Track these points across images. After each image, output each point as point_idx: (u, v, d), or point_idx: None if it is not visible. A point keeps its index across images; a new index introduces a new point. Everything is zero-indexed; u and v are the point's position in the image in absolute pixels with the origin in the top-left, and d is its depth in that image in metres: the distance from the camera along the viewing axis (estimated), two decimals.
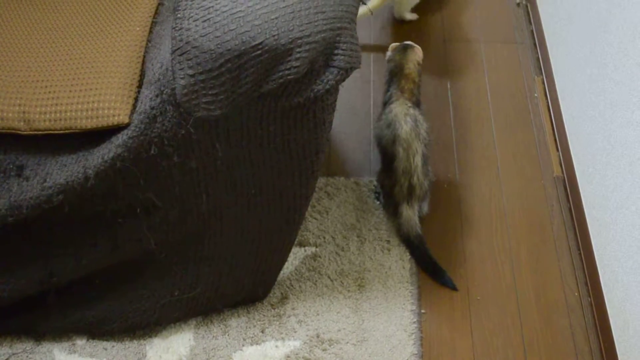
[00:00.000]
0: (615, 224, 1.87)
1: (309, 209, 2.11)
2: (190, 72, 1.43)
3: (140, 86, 1.57)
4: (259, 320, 1.88)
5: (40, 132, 1.53)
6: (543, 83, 2.54)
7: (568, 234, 2.12)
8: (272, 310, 1.90)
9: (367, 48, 2.66)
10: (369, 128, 2.37)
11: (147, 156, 1.50)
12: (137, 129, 1.49)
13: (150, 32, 1.69)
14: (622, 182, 1.84)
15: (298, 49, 1.45)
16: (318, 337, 1.85)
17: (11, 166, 1.56)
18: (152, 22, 1.72)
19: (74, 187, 1.51)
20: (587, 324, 1.93)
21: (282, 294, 1.93)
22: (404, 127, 1.99)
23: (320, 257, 2.01)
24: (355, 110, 2.44)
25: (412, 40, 2.25)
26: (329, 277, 1.97)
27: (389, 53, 2.22)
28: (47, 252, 1.67)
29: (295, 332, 1.86)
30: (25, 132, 1.54)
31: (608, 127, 1.95)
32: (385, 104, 2.11)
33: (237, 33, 1.43)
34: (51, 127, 1.53)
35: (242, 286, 1.84)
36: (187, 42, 1.44)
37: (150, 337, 1.85)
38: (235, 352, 1.82)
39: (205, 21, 1.45)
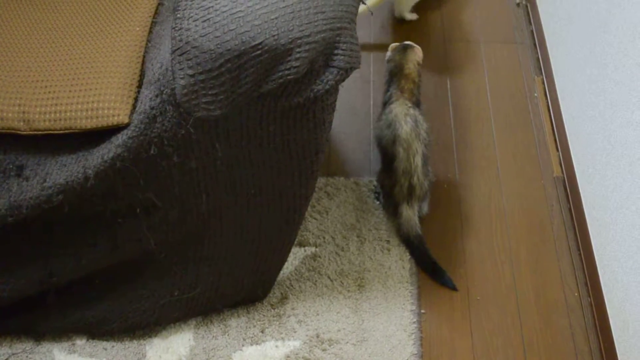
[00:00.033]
0: (615, 224, 1.87)
1: (309, 209, 2.11)
2: (190, 72, 1.43)
3: (140, 86, 1.57)
4: (259, 320, 1.88)
5: (40, 132, 1.53)
6: (543, 83, 2.54)
7: (568, 234, 2.12)
8: (272, 310, 1.90)
9: (367, 48, 2.66)
10: (368, 128, 2.37)
11: (146, 156, 1.50)
12: (137, 129, 1.48)
13: (150, 32, 1.69)
14: (622, 182, 1.84)
15: (298, 49, 1.45)
16: (318, 337, 1.85)
17: (11, 166, 1.56)
18: (152, 22, 1.72)
19: (74, 187, 1.51)
20: (586, 324, 1.93)
21: (282, 294, 1.93)
22: (404, 128, 1.99)
23: (320, 257, 2.01)
24: (355, 110, 2.44)
25: (412, 40, 2.25)
26: (328, 277, 1.97)
27: (388, 53, 2.22)
28: (46, 252, 1.67)
29: (295, 332, 1.86)
30: (25, 132, 1.54)
31: (608, 127, 1.95)
32: (385, 104, 2.11)
33: (237, 33, 1.43)
34: (51, 127, 1.53)
35: (242, 286, 1.84)
36: (187, 42, 1.44)
37: (150, 337, 1.85)
38: (235, 352, 1.82)
39: (205, 21, 1.45)
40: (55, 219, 1.58)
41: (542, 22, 2.66)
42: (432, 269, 2.00)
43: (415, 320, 1.89)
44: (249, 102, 1.49)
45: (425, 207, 2.08)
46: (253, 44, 1.42)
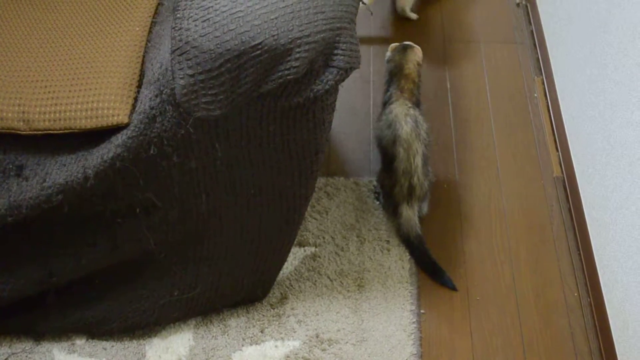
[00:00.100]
0: (614, 224, 1.87)
1: (309, 209, 2.11)
2: (190, 72, 1.43)
3: (139, 86, 1.57)
4: (259, 320, 1.88)
5: (39, 132, 1.53)
6: (543, 83, 2.54)
7: (567, 234, 2.12)
8: (272, 310, 1.90)
9: (366, 46, 2.66)
10: (368, 128, 2.37)
11: (146, 156, 1.50)
12: (137, 129, 1.48)
13: (150, 32, 1.69)
14: (621, 182, 1.84)
15: (297, 49, 1.45)
16: (317, 337, 1.85)
17: (11, 166, 1.56)
18: (152, 22, 1.72)
19: (74, 187, 1.51)
20: (586, 324, 1.93)
21: (281, 294, 1.93)
22: (405, 128, 1.99)
23: (319, 257, 2.01)
24: (355, 110, 2.44)
25: (412, 40, 2.25)
26: (328, 277, 1.97)
27: (388, 53, 2.22)
28: (46, 252, 1.67)
29: (294, 332, 1.86)
30: (24, 132, 1.54)
31: (608, 127, 1.95)
32: (385, 104, 2.11)
33: (237, 33, 1.43)
34: (51, 127, 1.53)
35: (242, 286, 1.84)
36: (186, 42, 1.44)
37: (149, 337, 1.85)
38: (234, 352, 1.82)
39: (204, 21, 1.45)
40: (55, 219, 1.58)
41: (542, 22, 2.66)
42: (431, 269, 2.00)
43: (414, 320, 1.89)
44: (248, 102, 1.49)
45: (425, 207, 2.08)
46: (253, 44, 1.42)
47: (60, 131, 1.53)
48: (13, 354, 1.79)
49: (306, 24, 1.47)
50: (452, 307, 1.95)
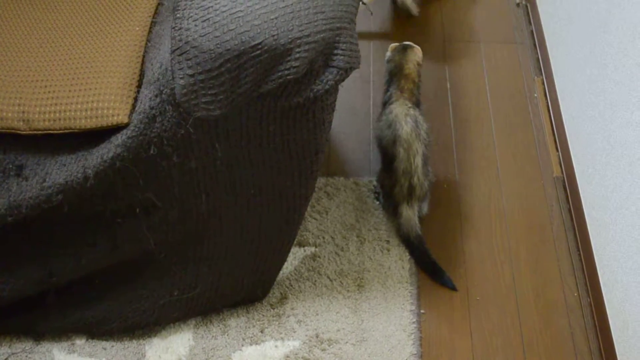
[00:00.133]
0: (614, 224, 1.87)
1: (309, 209, 2.11)
2: (190, 72, 1.43)
3: (139, 86, 1.57)
4: (259, 320, 1.88)
5: (39, 132, 1.53)
6: (543, 83, 2.54)
7: (567, 235, 2.12)
8: (272, 310, 1.90)
9: (366, 42, 2.66)
10: (368, 128, 2.37)
11: (146, 156, 1.50)
12: (137, 129, 1.48)
13: (150, 32, 1.69)
14: (621, 182, 1.84)
15: (297, 49, 1.45)
16: (317, 337, 1.85)
17: (10, 166, 1.56)
18: (152, 22, 1.72)
19: (73, 187, 1.51)
20: (586, 324, 1.93)
21: (281, 294, 1.93)
22: (405, 128, 1.99)
23: (319, 257, 2.01)
24: (355, 110, 2.44)
25: (412, 40, 2.25)
26: (328, 277, 1.97)
27: (388, 53, 2.22)
28: (46, 252, 1.67)
29: (294, 332, 1.86)
30: (24, 132, 1.54)
31: (608, 127, 1.95)
32: (385, 104, 2.11)
33: (237, 33, 1.43)
34: (50, 127, 1.53)
35: (242, 286, 1.84)
36: (186, 42, 1.44)
37: (149, 337, 1.85)
38: (234, 352, 1.82)
39: (204, 21, 1.45)
40: (55, 218, 1.58)
41: (542, 22, 2.66)
42: (431, 269, 2.00)
43: (414, 320, 1.89)
44: (248, 102, 1.49)
45: (425, 207, 2.08)
46: (253, 43, 1.42)
47: (60, 131, 1.53)
48: (13, 354, 1.79)
49: (306, 24, 1.47)
50: (452, 307, 1.95)
